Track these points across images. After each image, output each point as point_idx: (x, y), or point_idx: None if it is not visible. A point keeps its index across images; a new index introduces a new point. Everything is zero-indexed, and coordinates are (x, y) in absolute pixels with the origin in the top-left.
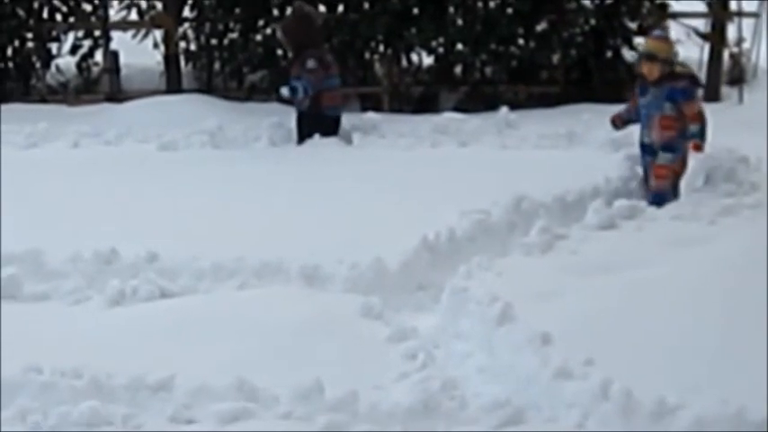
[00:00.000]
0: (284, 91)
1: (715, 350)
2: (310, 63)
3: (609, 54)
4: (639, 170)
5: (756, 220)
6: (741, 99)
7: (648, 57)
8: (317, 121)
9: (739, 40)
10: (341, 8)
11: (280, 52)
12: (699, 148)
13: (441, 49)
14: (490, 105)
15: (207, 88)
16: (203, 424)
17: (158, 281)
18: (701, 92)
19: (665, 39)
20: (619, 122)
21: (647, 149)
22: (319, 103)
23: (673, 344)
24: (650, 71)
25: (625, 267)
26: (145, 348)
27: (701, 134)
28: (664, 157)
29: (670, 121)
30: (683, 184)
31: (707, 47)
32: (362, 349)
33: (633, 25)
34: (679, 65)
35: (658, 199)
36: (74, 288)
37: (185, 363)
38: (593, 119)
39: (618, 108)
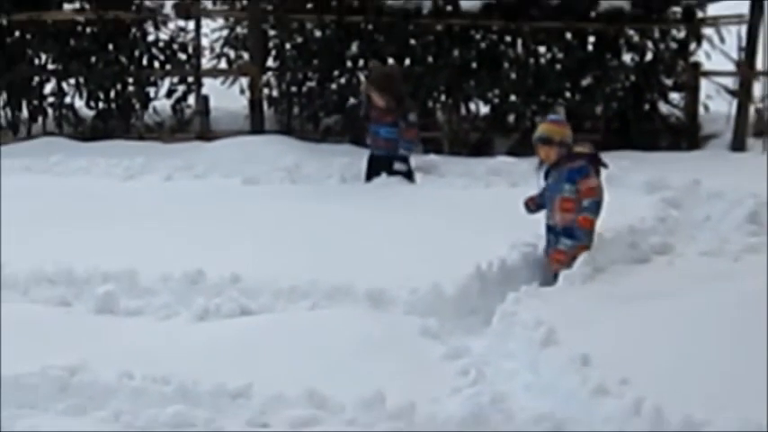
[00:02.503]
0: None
1: (738, 373)
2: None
3: (646, 107)
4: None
5: None
6: (764, 149)
7: (544, 141)
8: (386, 160)
9: (764, 97)
10: (407, 61)
11: (352, 100)
12: (587, 222)
13: (496, 100)
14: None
15: (286, 130)
16: (277, 428)
17: (240, 300)
18: (602, 169)
19: (560, 122)
20: (532, 205)
21: (551, 230)
22: (395, 147)
23: (700, 367)
24: (547, 155)
25: (658, 298)
26: (226, 359)
27: (594, 210)
28: (564, 243)
29: (569, 203)
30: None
31: (735, 102)
32: (420, 365)
33: (669, 82)
34: (581, 146)
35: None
36: (164, 304)
37: (262, 373)
38: (630, 165)
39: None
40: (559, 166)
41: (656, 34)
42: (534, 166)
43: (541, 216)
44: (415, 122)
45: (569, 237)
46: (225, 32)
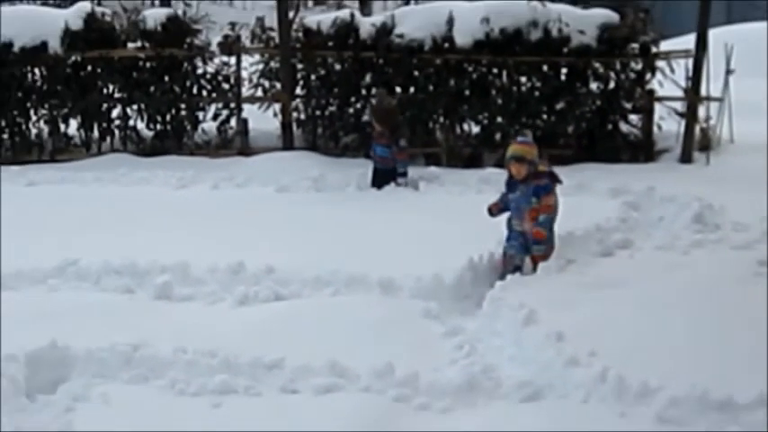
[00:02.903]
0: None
1: (688, 346)
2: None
3: (610, 127)
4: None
5: (718, 252)
6: (708, 161)
7: (517, 159)
8: (388, 175)
9: (707, 118)
10: (412, 90)
11: (365, 119)
12: (540, 234)
13: (485, 121)
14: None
15: (312, 147)
16: (305, 393)
17: (274, 287)
18: (557, 186)
19: (530, 143)
20: (495, 210)
21: (520, 234)
22: (389, 163)
23: (656, 342)
24: (518, 171)
25: (620, 284)
26: (263, 337)
27: (546, 224)
28: (537, 249)
29: (537, 213)
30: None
31: (683, 122)
32: (423, 341)
33: (628, 106)
34: (541, 164)
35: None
36: (211, 292)
37: (292, 348)
38: (596, 174)
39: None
40: (527, 182)
41: (618, 66)
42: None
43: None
44: (405, 147)
45: (540, 242)
46: (261, 66)
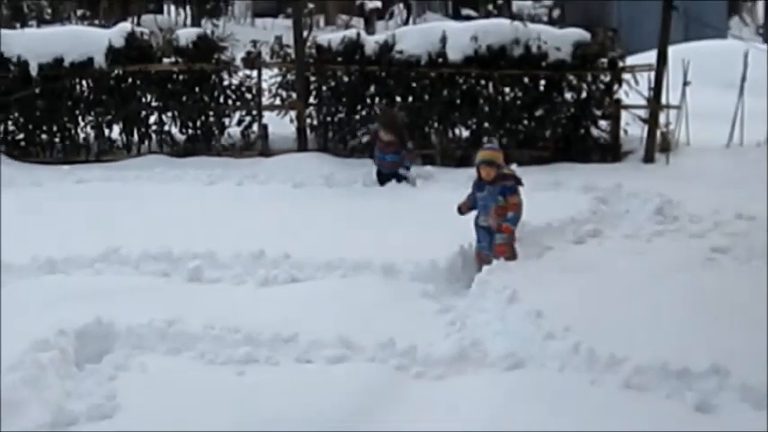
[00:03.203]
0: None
1: (651, 322)
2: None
3: (582, 131)
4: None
5: (676, 240)
6: (668, 162)
7: (487, 162)
8: (390, 174)
9: (667, 124)
10: (410, 99)
11: (371, 126)
12: (508, 229)
13: (474, 126)
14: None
15: (323, 149)
16: (317, 363)
17: (290, 271)
18: (521, 188)
19: (496, 149)
20: (464, 209)
21: (485, 230)
22: (397, 166)
23: (622, 318)
24: (488, 173)
25: (593, 268)
26: (281, 314)
27: (514, 220)
28: (501, 238)
29: (502, 210)
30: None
31: (646, 127)
32: (420, 318)
33: (598, 113)
34: (506, 168)
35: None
36: (236, 275)
37: (306, 324)
38: (570, 173)
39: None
40: (495, 183)
41: (589, 79)
42: (474, 180)
43: None
44: (413, 149)
45: (503, 233)
46: (279, 78)
